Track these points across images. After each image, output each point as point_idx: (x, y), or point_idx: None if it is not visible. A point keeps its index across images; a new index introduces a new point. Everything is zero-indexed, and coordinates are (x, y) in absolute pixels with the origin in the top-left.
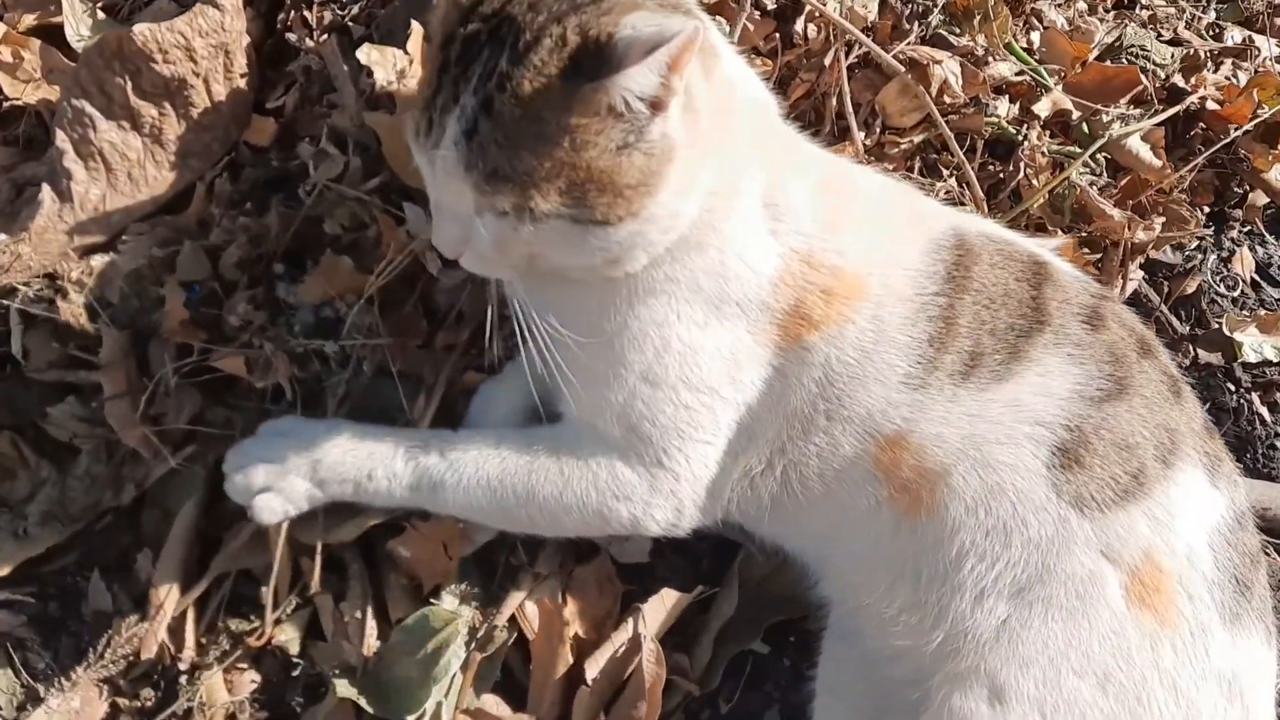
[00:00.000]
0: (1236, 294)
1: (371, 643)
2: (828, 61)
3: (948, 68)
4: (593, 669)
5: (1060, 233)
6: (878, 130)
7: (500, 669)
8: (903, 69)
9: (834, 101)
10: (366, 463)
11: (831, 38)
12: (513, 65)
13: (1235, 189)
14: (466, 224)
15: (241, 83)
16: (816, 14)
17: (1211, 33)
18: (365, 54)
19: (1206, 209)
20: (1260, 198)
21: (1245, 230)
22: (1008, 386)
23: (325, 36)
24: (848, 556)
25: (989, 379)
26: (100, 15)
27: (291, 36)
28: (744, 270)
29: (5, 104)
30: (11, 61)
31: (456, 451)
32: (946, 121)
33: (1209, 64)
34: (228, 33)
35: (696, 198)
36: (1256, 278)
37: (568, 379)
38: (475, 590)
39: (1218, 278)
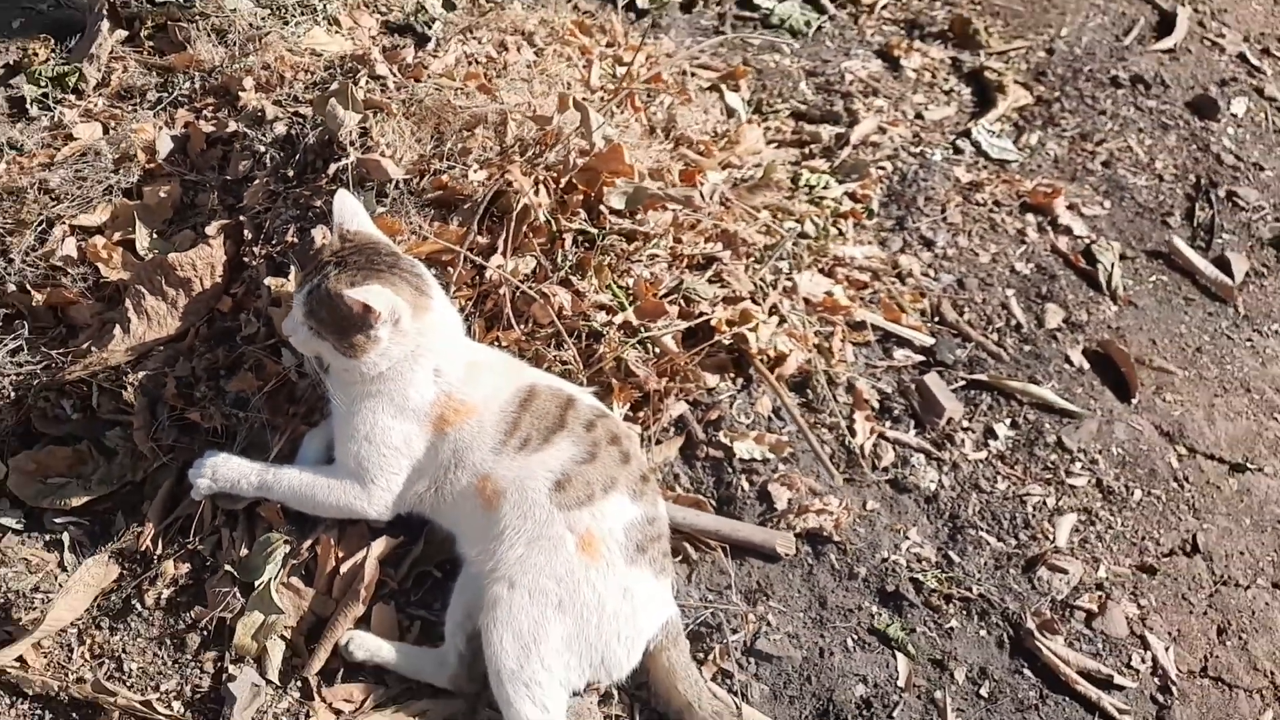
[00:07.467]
0: (751, 422)
1: (243, 550)
2: (502, 292)
3: (562, 299)
4: (344, 567)
5: (612, 382)
6: (530, 325)
7: (304, 567)
8: (537, 299)
9: (508, 311)
10: (237, 474)
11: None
12: (323, 280)
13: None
14: (300, 328)
15: (218, 279)
16: (494, 271)
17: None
18: (272, 281)
19: (734, 373)
20: (787, 370)
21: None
22: (540, 455)
23: (261, 261)
24: (463, 532)
25: (532, 451)
26: (155, 236)
27: (247, 259)
28: (417, 396)
29: (102, 280)
30: (107, 257)
31: (284, 473)
32: (564, 327)
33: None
34: (214, 256)
35: (387, 360)
36: (772, 415)
37: (337, 433)
38: (294, 529)
39: (742, 414)
